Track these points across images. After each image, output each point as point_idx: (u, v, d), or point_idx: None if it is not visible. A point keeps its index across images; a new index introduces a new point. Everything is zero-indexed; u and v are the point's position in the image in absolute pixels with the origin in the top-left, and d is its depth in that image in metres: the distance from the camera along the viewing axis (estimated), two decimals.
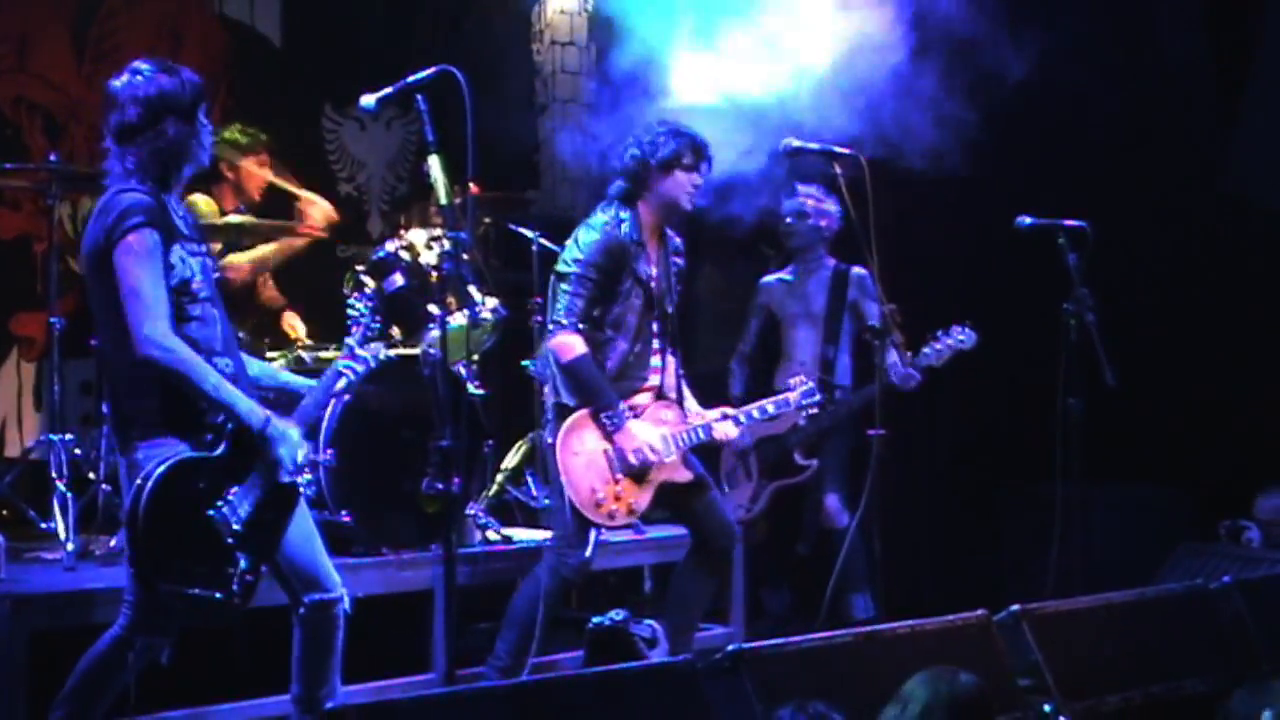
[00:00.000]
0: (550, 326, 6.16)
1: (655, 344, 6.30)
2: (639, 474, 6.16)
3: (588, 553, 6.18)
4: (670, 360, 6.36)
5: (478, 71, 5.57)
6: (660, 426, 6.23)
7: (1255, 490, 8.07)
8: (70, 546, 6.25)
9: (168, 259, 4.86)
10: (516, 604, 6.25)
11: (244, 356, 5.21)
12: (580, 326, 6.09)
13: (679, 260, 6.42)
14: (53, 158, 6.89)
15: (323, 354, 6.80)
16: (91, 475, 6.60)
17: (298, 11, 8.43)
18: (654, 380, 6.31)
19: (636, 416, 6.21)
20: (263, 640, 5.69)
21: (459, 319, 6.71)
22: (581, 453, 6.10)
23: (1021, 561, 7.09)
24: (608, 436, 6.12)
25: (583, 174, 8.29)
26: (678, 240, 6.43)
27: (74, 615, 5.40)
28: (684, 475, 6.30)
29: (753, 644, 4.83)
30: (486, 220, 7.80)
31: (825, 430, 7.44)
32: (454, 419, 5.60)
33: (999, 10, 7.07)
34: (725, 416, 6.37)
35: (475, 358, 7.00)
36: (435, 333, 5.71)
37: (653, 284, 6.23)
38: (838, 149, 6.03)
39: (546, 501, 7.10)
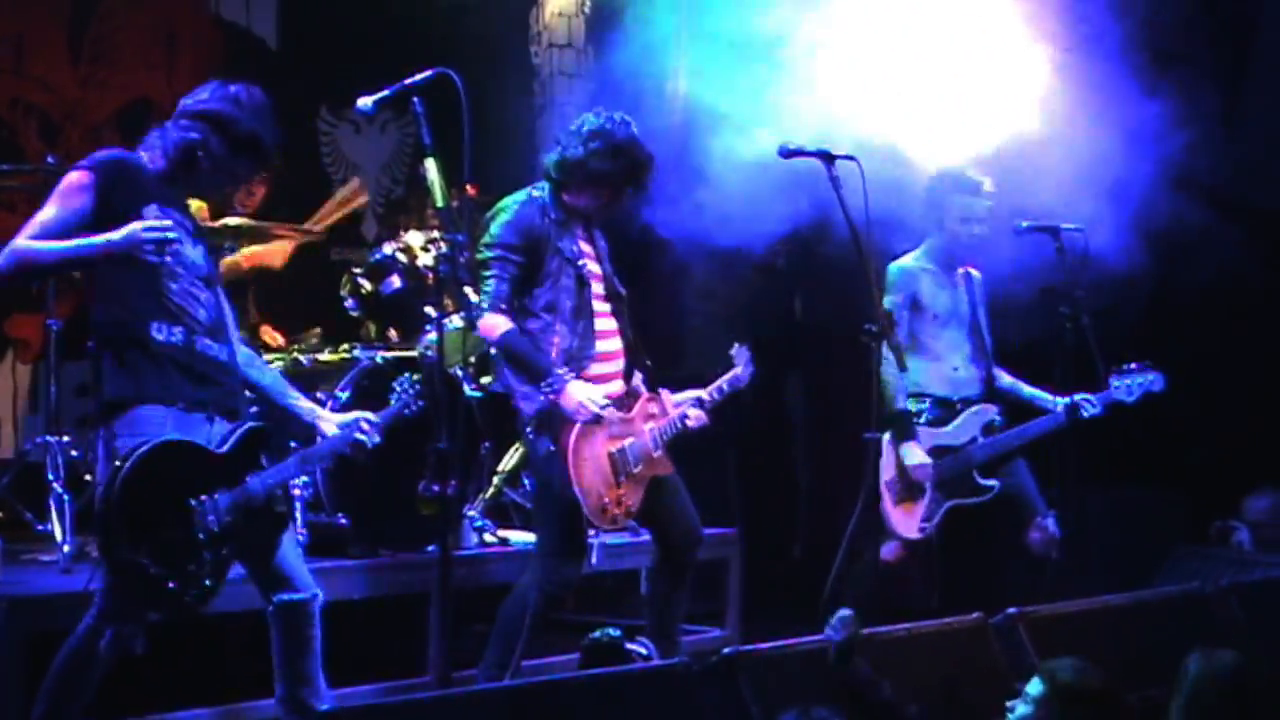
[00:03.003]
0: (473, 314, 6.01)
1: (609, 324, 6.11)
2: (630, 472, 6.03)
3: (594, 560, 6.09)
4: (636, 350, 6.21)
5: (475, 74, 5.54)
6: (649, 422, 6.13)
7: (1243, 492, 8.11)
8: (66, 548, 6.25)
9: (132, 208, 4.87)
10: (503, 616, 6.10)
11: (261, 366, 5.29)
12: (502, 308, 5.93)
13: (603, 242, 6.23)
14: (49, 159, 6.88)
15: (320, 357, 6.80)
16: (88, 477, 6.58)
17: (294, 14, 8.44)
18: (611, 366, 6.09)
19: (629, 414, 6.08)
20: (257, 642, 5.66)
21: (456, 321, 6.73)
22: (590, 458, 5.96)
23: (1018, 564, 7.05)
24: (614, 436, 5.98)
25: None
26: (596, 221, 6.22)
27: (70, 617, 5.36)
28: (666, 468, 6.20)
29: (748, 647, 4.83)
30: (484, 222, 7.78)
31: (1011, 450, 6.94)
32: (451, 421, 5.54)
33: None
34: (698, 402, 6.20)
35: (472, 360, 7.04)
36: (432, 335, 5.69)
37: (583, 263, 6.04)
38: (834, 152, 6.00)
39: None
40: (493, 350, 6.05)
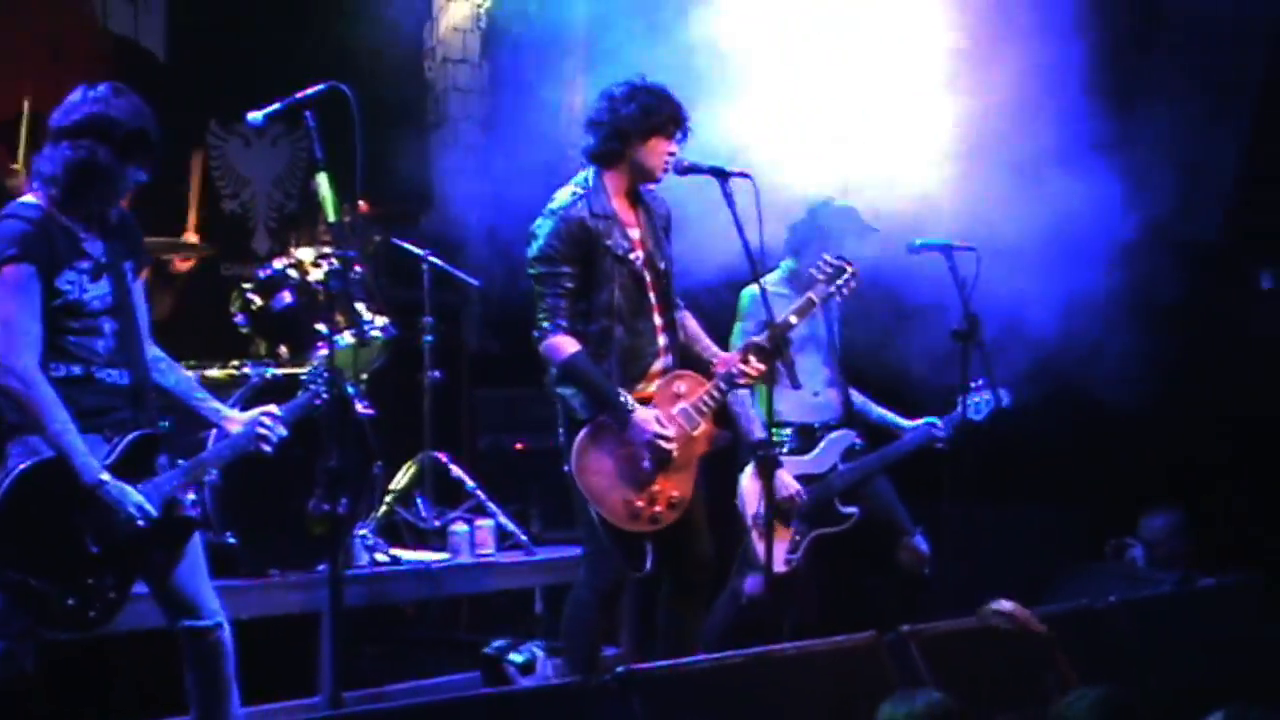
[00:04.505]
0: (535, 333, 5.83)
1: (657, 319, 5.93)
2: (670, 465, 5.83)
3: (648, 565, 5.89)
4: (679, 328, 6.01)
5: (368, 88, 5.52)
6: (676, 403, 5.90)
7: (1140, 510, 8.13)
8: None
9: (54, 285, 4.85)
10: (565, 624, 6.03)
11: (167, 368, 5.19)
12: (564, 324, 5.77)
13: (662, 211, 6.04)
14: None
15: (208, 373, 6.69)
16: None
17: (183, 26, 8.31)
18: (665, 361, 5.93)
19: (649, 403, 5.87)
20: (159, 660, 5.61)
21: (347, 338, 6.70)
22: (601, 472, 5.79)
23: (911, 583, 7.10)
24: (625, 439, 5.77)
25: (475, 192, 8.24)
26: (653, 190, 6.03)
27: None
28: (723, 439, 6.03)
29: (642, 665, 4.83)
30: (376, 238, 7.75)
31: (871, 473, 7.01)
32: (342, 439, 5.54)
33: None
34: (751, 346, 5.92)
35: (364, 377, 6.99)
36: (323, 352, 5.63)
37: (634, 256, 5.86)
38: (729, 169, 5.99)
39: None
40: (554, 370, 5.88)
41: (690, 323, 6.14)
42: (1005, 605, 4.85)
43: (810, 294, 6.25)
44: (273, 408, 5.21)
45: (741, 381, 5.99)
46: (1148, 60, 8.00)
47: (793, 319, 6.14)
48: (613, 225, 5.86)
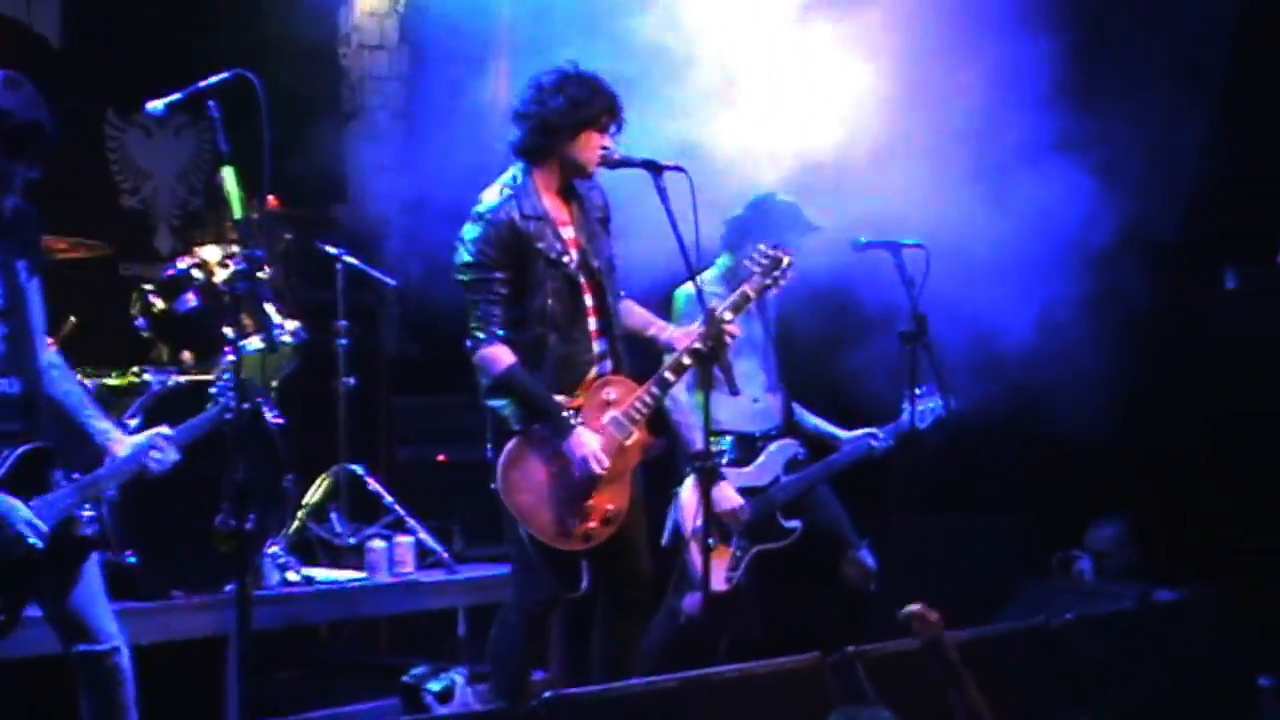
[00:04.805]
0: (468, 343, 5.64)
1: (593, 324, 5.75)
2: (601, 481, 5.63)
3: (584, 585, 5.73)
4: (621, 328, 5.79)
5: (278, 76, 5.35)
6: (606, 410, 5.70)
7: (1088, 520, 8.16)
8: None
9: None
10: (492, 646, 5.84)
11: (59, 376, 5.00)
12: (499, 333, 5.59)
13: (598, 202, 5.84)
14: None
15: (107, 381, 6.52)
16: None
17: (79, 9, 8.15)
18: (601, 368, 5.73)
19: (578, 412, 5.67)
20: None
21: (256, 343, 6.63)
22: (529, 488, 5.61)
23: (857, 599, 6.97)
24: (556, 453, 5.59)
25: (392, 185, 8.12)
26: (590, 179, 5.82)
27: None
28: (657, 448, 5.90)
29: (571, 690, 4.73)
30: (287, 236, 7.60)
31: (814, 484, 6.81)
32: (250, 451, 5.49)
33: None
34: (689, 349, 5.67)
35: (274, 384, 6.91)
36: (230, 358, 5.44)
37: (567, 259, 5.68)
38: (662, 162, 5.77)
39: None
40: (484, 380, 5.67)
41: (636, 312, 5.93)
42: (930, 615, 4.78)
43: (745, 287, 6.01)
44: (164, 428, 5.05)
45: (679, 343, 5.76)
46: (1112, 58, 8.03)
47: (727, 315, 5.88)
48: (545, 227, 5.68)
